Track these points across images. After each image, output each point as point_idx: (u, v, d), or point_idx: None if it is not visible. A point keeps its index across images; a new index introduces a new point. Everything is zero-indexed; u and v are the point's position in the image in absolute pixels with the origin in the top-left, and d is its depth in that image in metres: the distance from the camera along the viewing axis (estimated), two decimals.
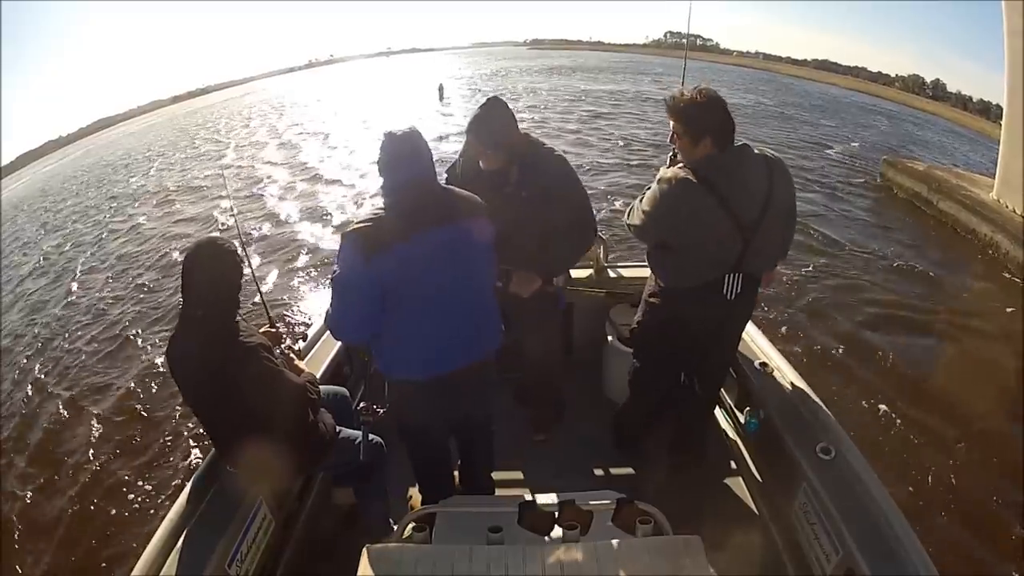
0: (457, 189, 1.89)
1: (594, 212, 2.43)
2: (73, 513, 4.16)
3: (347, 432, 2.17)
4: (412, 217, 1.71)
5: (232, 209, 4.29)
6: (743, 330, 2.37)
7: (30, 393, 6.08)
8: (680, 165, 2.00)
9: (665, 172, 2.01)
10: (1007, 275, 7.84)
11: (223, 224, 10.91)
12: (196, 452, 4.54)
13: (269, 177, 14.88)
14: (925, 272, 7.89)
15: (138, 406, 5.40)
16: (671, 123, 2.01)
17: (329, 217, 10.79)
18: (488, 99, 2.23)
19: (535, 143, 2.32)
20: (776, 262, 2.34)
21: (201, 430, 2.02)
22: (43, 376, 6.42)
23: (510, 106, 2.27)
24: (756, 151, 2.00)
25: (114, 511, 4.10)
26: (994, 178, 9.91)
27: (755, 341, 2.66)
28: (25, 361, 6.93)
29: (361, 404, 2.14)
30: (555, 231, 2.29)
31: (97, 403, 5.63)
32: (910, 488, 3.88)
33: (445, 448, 2.25)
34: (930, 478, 4.03)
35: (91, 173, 24.29)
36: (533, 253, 2.29)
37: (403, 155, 1.74)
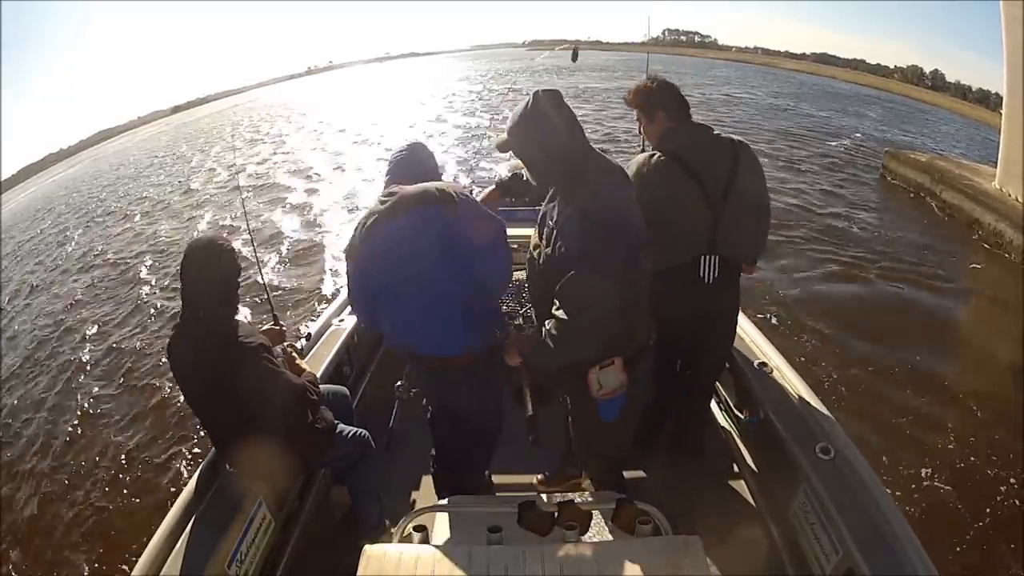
0: (457, 189, 1.87)
1: (589, 313, 1.58)
2: (72, 512, 4.15)
3: (344, 427, 2.21)
4: (401, 206, 1.82)
5: (243, 207, 4.35)
6: (735, 323, 2.35)
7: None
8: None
9: (631, 160, 2.14)
10: (1015, 258, 7.92)
11: (234, 225, 11.08)
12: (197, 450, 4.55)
13: (280, 178, 15.04)
14: (928, 258, 7.95)
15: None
16: (635, 115, 2.19)
17: (338, 217, 10.84)
18: (535, 92, 1.64)
19: (588, 173, 1.63)
20: (754, 254, 2.34)
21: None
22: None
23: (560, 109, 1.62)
24: (721, 134, 2.11)
25: (113, 510, 4.10)
26: (996, 167, 9.88)
27: (755, 341, 2.66)
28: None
29: (399, 384, 2.47)
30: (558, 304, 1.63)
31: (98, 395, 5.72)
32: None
33: (453, 436, 2.28)
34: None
35: (97, 183, 24.47)
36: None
37: (403, 158, 1.96)
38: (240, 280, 1.90)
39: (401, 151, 1.99)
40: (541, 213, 1.79)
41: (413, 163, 1.95)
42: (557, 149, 1.62)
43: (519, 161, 1.81)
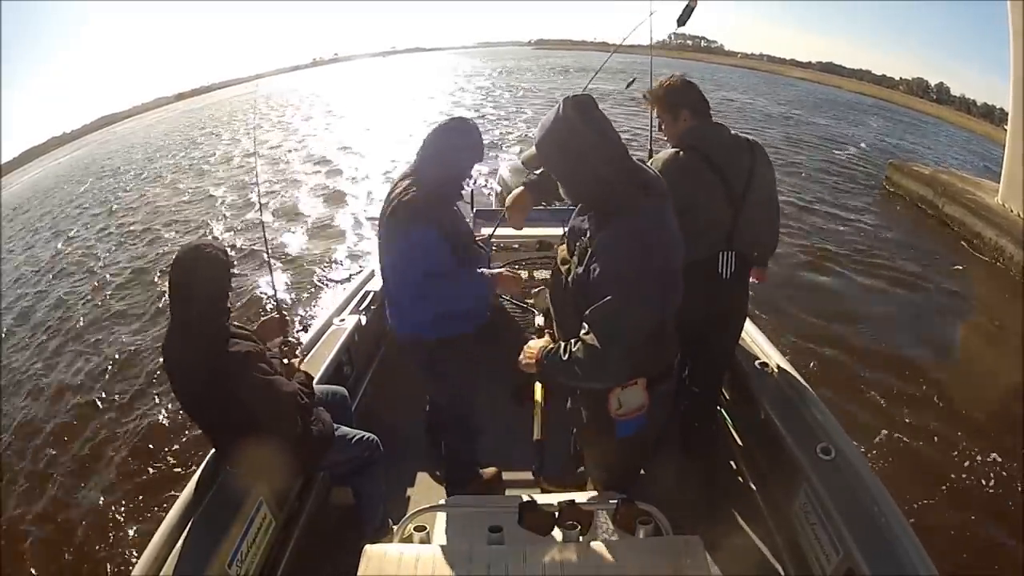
0: (421, 194, 1.96)
1: (622, 343, 1.47)
2: (73, 511, 4.13)
3: (345, 430, 2.19)
4: (386, 203, 2.07)
5: (259, 199, 4.28)
6: (743, 321, 2.41)
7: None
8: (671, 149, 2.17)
9: (657, 157, 2.15)
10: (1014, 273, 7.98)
11: (245, 218, 11.01)
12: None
13: (292, 169, 15.02)
14: (929, 272, 8.00)
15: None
16: (654, 113, 2.24)
17: (348, 209, 10.85)
18: (565, 99, 1.49)
19: (625, 191, 1.49)
20: (767, 256, 2.44)
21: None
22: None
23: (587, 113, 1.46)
24: (739, 134, 2.19)
25: (114, 509, 4.07)
26: (998, 182, 9.88)
27: (755, 341, 2.66)
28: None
29: None
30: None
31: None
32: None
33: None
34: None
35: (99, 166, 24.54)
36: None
37: (430, 139, 2.02)
38: (231, 283, 1.90)
39: (435, 130, 2.03)
40: (570, 226, 1.69)
41: (435, 143, 2.00)
42: (589, 164, 1.47)
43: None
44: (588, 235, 1.54)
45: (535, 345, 1.73)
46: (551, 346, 1.64)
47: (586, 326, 1.49)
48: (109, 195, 16.03)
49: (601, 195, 1.51)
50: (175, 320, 1.86)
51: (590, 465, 2.05)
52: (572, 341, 1.54)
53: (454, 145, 2.00)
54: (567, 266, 1.65)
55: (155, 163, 20.04)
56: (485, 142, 2.16)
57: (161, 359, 1.94)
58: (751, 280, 2.52)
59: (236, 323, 1.96)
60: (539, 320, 2.11)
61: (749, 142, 2.17)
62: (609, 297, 1.43)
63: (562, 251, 1.73)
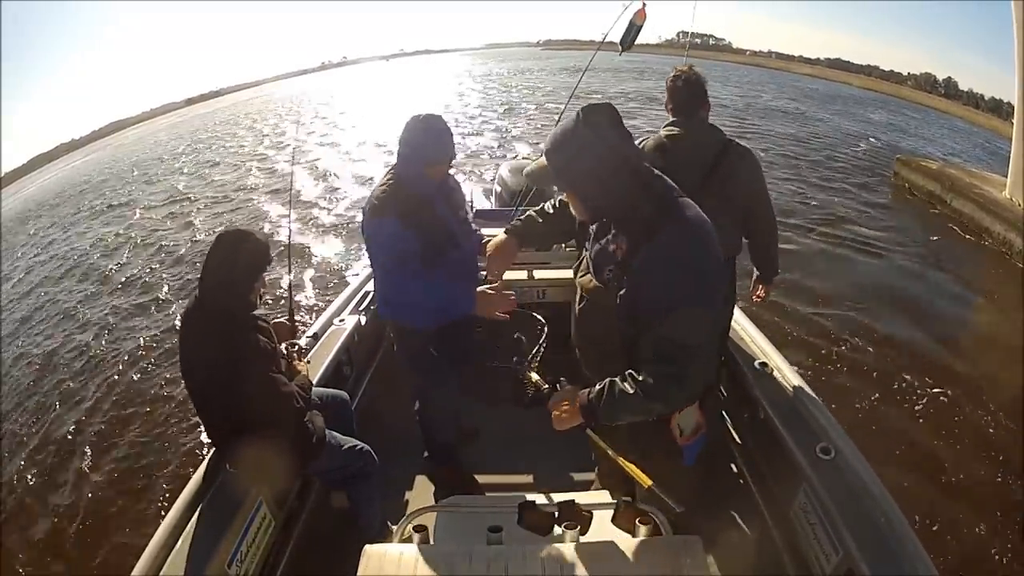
0: (388, 188, 2.07)
1: (700, 353, 1.38)
2: (73, 510, 4.16)
3: (339, 438, 2.16)
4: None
5: (290, 198, 4.22)
6: (727, 322, 2.46)
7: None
8: None
9: None
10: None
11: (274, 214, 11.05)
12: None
13: (311, 171, 14.80)
14: (937, 265, 8.02)
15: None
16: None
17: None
18: (582, 110, 1.34)
19: (667, 206, 1.39)
20: (769, 273, 2.55)
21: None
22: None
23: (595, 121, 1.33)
24: (729, 137, 2.23)
25: (115, 508, 4.11)
26: (1005, 176, 9.82)
27: (755, 341, 2.65)
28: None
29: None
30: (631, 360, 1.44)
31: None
32: None
33: None
34: None
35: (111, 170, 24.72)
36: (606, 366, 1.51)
37: (401, 136, 2.08)
38: (258, 275, 1.89)
39: (406, 127, 2.06)
40: (595, 252, 1.54)
41: (401, 138, 2.07)
42: (624, 174, 1.36)
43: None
44: (623, 256, 1.42)
45: (566, 395, 1.53)
46: (596, 388, 1.45)
47: (652, 349, 1.37)
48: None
49: (628, 207, 1.39)
50: (195, 297, 1.89)
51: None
52: (633, 372, 1.40)
53: (411, 137, 2.05)
54: (591, 283, 1.54)
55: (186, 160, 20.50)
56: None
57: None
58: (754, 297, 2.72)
59: (262, 317, 1.93)
60: (533, 376, 1.70)
61: (735, 146, 2.19)
62: (672, 312, 1.32)
63: (585, 282, 1.58)
